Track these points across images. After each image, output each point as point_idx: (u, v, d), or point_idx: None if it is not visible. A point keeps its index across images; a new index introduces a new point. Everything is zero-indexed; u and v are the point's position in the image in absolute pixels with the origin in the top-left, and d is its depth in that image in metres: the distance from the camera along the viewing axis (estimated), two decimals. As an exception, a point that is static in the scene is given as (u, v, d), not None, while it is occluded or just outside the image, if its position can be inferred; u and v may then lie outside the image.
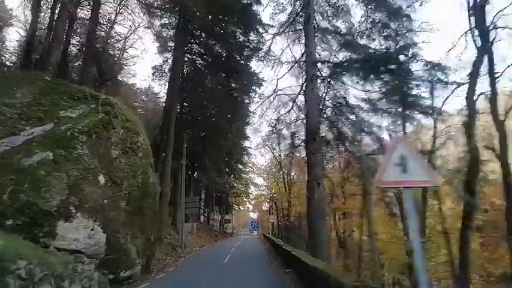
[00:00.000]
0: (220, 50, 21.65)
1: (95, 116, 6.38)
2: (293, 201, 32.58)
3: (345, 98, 12.64)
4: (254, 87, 22.29)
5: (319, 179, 9.88)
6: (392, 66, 10.53)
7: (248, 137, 26.60)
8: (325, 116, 12.15)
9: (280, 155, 33.82)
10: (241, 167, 36.60)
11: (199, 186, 41.18)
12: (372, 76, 10.86)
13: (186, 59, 24.39)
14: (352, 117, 12.63)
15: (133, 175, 6.92)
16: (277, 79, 17.09)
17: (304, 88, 12.09)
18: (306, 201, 12.18)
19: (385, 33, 11.67)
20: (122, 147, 6.74)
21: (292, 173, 33.25)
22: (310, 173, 10.32)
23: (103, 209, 5.94)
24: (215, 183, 30.85)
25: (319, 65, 12.12)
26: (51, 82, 7.29)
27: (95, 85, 18.14)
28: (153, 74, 27.15)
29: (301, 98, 13.33)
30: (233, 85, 23.67)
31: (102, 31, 17.89)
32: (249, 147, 33.93)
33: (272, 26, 16.54)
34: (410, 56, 10.79)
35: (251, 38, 18.55)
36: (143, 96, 31.15)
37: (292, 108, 14.88)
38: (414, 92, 11.34)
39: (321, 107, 12.02)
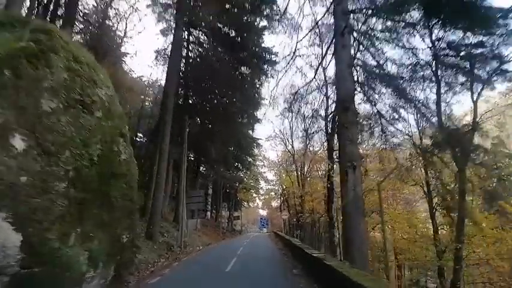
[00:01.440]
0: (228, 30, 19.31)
1: (15, 44, 3.99)
2: (307, 198, 29.96)
3: (381, 64, 9.89)
4: (266, 68, 19.69)
5: (354, 160, 7.31)
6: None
7: (259, 119, 23.81)
8: (357, 84, 9.42)
9: (292, 147, 31.23)
10: (250, 159, 34.04)
11: (206, 181, 39.06)
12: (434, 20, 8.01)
13: (191, 38, 22.15)
14: (389, 89, 9.88)
15: (83, 143, 4.51)
16: (297, 42, 14.33)
17: (327, 52, 9.47)
18: (327, 196, 9.49)
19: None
20: (63, 99, 4.33)
21: (306, 167, 30.59)
22: (342, 154, 7.74)
23: (17, 192, 3.55)
24: (222, 177, 28.49)
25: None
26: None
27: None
28: (155, 58, 25.22)
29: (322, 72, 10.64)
30: (243, 68, 21.24)
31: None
32: (259, 139, 31.44)
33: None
34: None
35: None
36: (145, 84, 29.07)
37: (314, 78, 12.27)
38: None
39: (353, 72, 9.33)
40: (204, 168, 36.51)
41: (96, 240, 4.78)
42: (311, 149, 31.29)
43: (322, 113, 15.34)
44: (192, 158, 30.77)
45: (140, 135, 27.51)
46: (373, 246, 29.26)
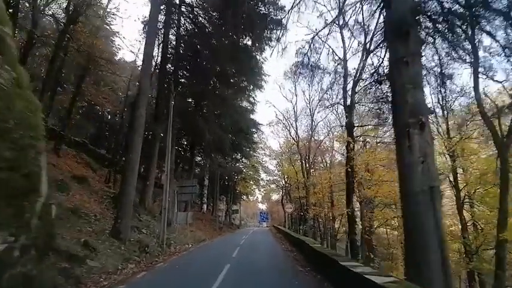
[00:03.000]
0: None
1: None
2: (312, 190, 27.12)
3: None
4: (270, 34, 16.54)
5: (421, 114, 4.41)
6: None
7: (261, 85, 20.53)
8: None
9: (297, 133, 28.26)
10: (250, 148, 31.02)
11: (202, 172, 36.20)
12: None
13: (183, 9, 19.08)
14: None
15: None
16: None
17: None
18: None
19: None
20: None
21: (312, 154, 27.69)
22: (398, 107, 4.77)
23: None
24: (219, 165, 25.56)
25: None
26: None
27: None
28: (142, 29, 22.03)
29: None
30: (245, 41, 18.13)
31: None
32: (260, 124, 28.49)
33: None
34: None
35: None
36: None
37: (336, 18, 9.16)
38: None
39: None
40: (200, 158, 33.67)
41: None
42: (315, 138, 28.54)
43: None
44: (185, 144, 27.85)
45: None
46: (380, 243, 26.64)
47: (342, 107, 12.27)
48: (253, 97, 21.75)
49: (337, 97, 13.88)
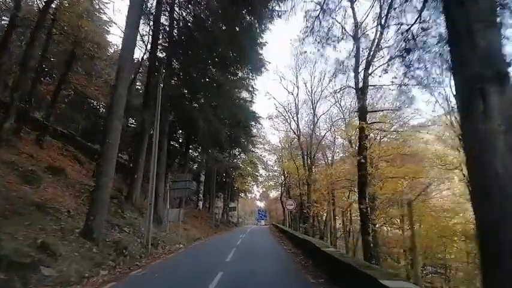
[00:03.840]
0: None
1: None
2: (313, 186, 25.75)
3: None
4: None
5: (499, 64, 3.02)
6: None
7: (263, 66, 18.70)
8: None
9: (298, 127, 26.80)
10: (246, 143, 29.50)
11: (199, 167, 34.73)
12: None
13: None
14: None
15: None
16: None
17: None
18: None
19: None
20: None
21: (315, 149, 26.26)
22: (461, 56, 3.32)
23: None
24: (215, 159, 24.07)
25: None
26: None
27: None
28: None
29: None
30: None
31: None
32: (260, 117, 27.01)
33: None
34: None
35: None
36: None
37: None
38: None
39: None
40: (197, 154, 32.16)
41: None
42: (317, 132, 27.12)
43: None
44: (180, 138, 26.36)
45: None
46: (389, 243, 25.36)
47: (349, 97, 10.98)
48: (252, 86, 20.27)
49: (344, 83, 12.46)
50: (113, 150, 8.33)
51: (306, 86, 28.29)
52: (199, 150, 28.97)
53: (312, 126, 26.03)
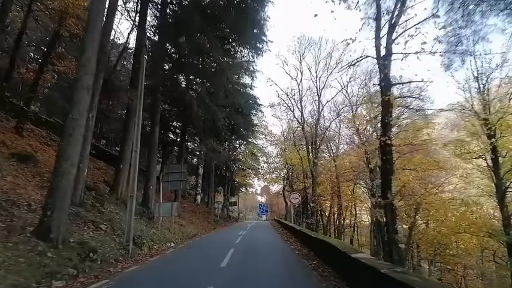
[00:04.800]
0: None
1: None
2: (320, 178, 24.05)
3: None
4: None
5: None
6: None
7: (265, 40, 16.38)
8: None
9: (302, 115, 24.99)
10: (246, 132, 27.72)
11: (198, 160, 33.07)
12: None
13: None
14: None
15: None
16: None
17: None
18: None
19: None
20: None
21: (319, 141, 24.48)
22: None
23: None
24: (213, 150, 22.28)
25: None
26: None
27: None
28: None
29: None
30: None
31: None
32: (261, 104, 25.16)
33: None
34: None
35: None
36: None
37: None
38: None
39: None
40: (195, 145, 30.48)
41: None
42: (321, 122, 25.36)
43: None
44: (176, 127, 24.61)
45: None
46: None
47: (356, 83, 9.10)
48: (253, 67, 18.34)
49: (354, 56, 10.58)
50: (78, 127, 6.57)
51: (310, 71, 26.44)
52: (198, 142, 27.28)
53: (316, 115, 24.26)
